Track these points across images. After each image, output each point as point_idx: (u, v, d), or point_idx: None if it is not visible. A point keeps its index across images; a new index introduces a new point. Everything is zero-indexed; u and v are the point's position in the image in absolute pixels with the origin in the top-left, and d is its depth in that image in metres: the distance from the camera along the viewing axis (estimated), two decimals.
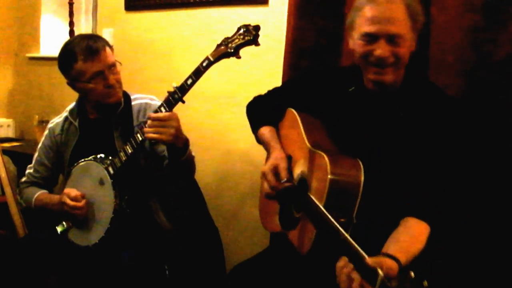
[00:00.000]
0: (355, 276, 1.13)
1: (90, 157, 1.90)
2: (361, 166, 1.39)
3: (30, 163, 2.10)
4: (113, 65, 1.89)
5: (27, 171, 2.09)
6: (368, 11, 1.45)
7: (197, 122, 2.61)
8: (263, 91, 1.84)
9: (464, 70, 1.75)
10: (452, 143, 1.47)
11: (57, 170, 2.07)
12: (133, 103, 1.98)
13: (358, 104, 1.56)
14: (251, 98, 1.84)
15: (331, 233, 1.24)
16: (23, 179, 2.10)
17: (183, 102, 1.67)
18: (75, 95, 2.06)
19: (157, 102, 1.96)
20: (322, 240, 1.35)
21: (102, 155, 1.89)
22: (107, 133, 1.94)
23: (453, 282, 1.70)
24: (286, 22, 2.15)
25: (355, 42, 1.50)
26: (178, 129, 1.69)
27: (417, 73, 1.57)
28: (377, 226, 1.40)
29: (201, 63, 1.62)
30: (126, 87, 2.00)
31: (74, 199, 1.84)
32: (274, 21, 2.34)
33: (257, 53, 2.35)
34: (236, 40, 1.59)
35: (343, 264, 1.18)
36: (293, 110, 1.67)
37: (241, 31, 1.59)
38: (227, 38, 1.61)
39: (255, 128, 1.75)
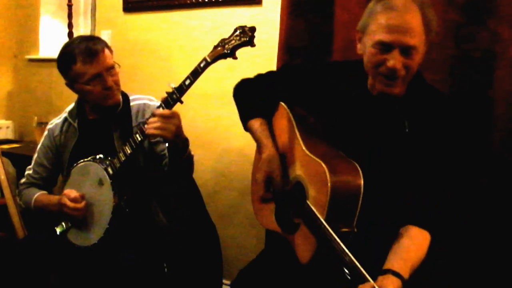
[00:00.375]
0: None
1: (89, 158, 1.90)
2: (359, 169, 1.36)
3: (29, 164, 2.10)
4: (111, 67, 1.90)
5: (26, 172, 2.10)
6: (385, 18, 1.38)
7: (193, 121, 2.62)
8: None
9: (447, 66, 1.79)
10: (456, 152, 1.45)
11: (56, 171, 2.08)
12: (132, 103, 1.99)
13: (360, 108, 1.52)
14: None
15: (334, 250, 1.24)
16: (22, 180, 2.10)
17: (182, 102, 1.68)
18: (74, 96, 2.07)
19: (155, 102, 1.97)
20: (324, 254, 1.32)
21: (101, 156, 1.89)
22: (106, 134, 1.94)
23: (453, 282, 1.71)
24: (279, 22, 2.18)
25: (366, 47, 1.44)
26: (179, 127, 1.69)
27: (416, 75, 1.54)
28: (377, 232, 1.39)
29: (199, 64, 1.63)
30: (124, 88, 2.01)
31: (74, 200, 1.85)
32: (267, 21, 2.37)
33: (251, 52, 2.35)
34: (233, 41, 1.60)
35: None
36: (286, 107, 1.64)
37: (238, 32, 1.60)
38: (223, 39, 1.62)
39: (245, 118, 1.69)
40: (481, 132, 1.76)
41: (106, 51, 1.89)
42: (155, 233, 1.91)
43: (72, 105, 2.06)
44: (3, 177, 2.41)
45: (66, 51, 1.91)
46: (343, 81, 1.56)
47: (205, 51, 1.65)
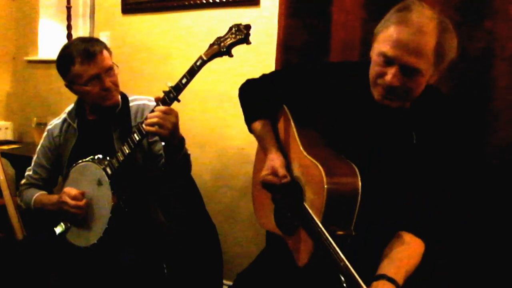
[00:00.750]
0: None
1: (88, 158, 1.91)
2: (357, 172, 1.34)
3: (29, 165, 2.11)
4: (110, 68, 1.90)
5: (27, 173, 2.10)
6: (395, 31, 1.32)
7: (193, 120, 2.64)
8: None
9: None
10: (459, 162, 1.44)
11: (56, 171, 2.08)
12: (131, 104, 2.00)
13: (363, 111, 1.49)
14: None
15: (330, 255, 1.23)
16: (23, 181, 2.11)
17: (178, 101, 1.68)
18: (73, 97, 2.08)
19: (154, 103, 1.97)
20: (320, 257, 1.31)
21: (100, 156, 1.90)
22: (106, 134, 1.95)
23: (453, 282, 1.70)
24: (277, 22, 2.19)
25: (373, 54, 1.40)
26: (176, 126, 1.69)
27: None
28: (377, 237, 1.39)
29: (195, 63, 1.63)
30: (123, 89, 2.01)
31: (74, 198, 1.85)
32: (265, 21, 2.38)
33: (250, 52, 2.39)
34: (228, 39, 1.60)
35: None
36: (286, 108, 1.63)
37: (233, 30, 1.61)
38: (219, 38, 1.62)
39: (249, 119, 1.67)
40: (480, 136, 1.76)
41: (105, 52, 1.90)
42: (155, 233, 1.92)
43: (71, 106, 2.07)
44: (2, 177, 2.41)
45: (65, 52, 1.91)
46: (348, 83, 1.53)
47: (204, 51, 1.65)
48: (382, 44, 1.36)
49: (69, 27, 3.12)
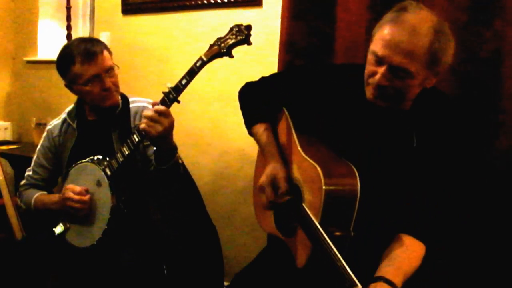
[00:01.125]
0: None
1: (87, 159, 1.91)
2: (356, 173, 1.34)
3: (28, 165, 2.11)
4: (110, 69, 1.90)
5: (26, 173, 2.10)
6: (388, 30, 1.32)
7: (194, 122, 2.64)
8: None
9: (452, 66, 1.78)
10: (460, 166, 1.42)
11: (56, 171, 2.08)
12: (131, 105, 2.00)
13: (362, 113, 1.49)
14: None
15: (328, 255, 1.23)
16: (23, 182, 2.11)
17: (178, 102, 1.67)
18: (72, 98, 2.08)
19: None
20: (319, 257, 1.31)
21: (99, 157, 1.90)
22: (105, 135, 1.95)
23: (453, 282, 1.70)
24: (280, 23, 2.17)
25: (368, 54, 1.40)
26: (167, 130, 1.65)
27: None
28: (377, 239, 1.38)
29: (195, 63, 1.62)
30: (123, 89, 2.01)
31: (79, 193, 1.85)
32: (268, 22, 2.37)
33: (252, 54, 2.39)
34: (229, 40, 1.59)
35: None
36: (285, 110, 1.63)
37: (233, 31, 1.59)
38: (219, 38, 1.61)
39: (249, 123, 1.66)
40: (484, 139, 1.75)
41: (105, 52, 1.90)
42: (154, 234, 1.92)
43: (71, 106, 2.07)
44: (1, 178, 2.41)
45: (65, 52, 1.92)
46: (347, 85, 1.53)
47: None
48: (375, 44, 1.36)
49: (69, 28, 3.12)
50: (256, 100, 1.68)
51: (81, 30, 3.26)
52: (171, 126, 1.66)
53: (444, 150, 1.40)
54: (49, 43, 3.39)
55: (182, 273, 1.99)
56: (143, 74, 2.83)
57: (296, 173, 1.48)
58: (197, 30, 2.63)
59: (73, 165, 1.95)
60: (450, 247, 1.69)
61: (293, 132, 1.56)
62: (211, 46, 1.63)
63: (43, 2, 3.34)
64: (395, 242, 1.36)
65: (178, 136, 1.78)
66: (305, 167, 1.42)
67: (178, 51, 2.71)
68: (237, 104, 1.75)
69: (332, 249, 1.23)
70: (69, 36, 3.11)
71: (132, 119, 1.97)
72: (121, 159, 1.81)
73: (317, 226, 1.29)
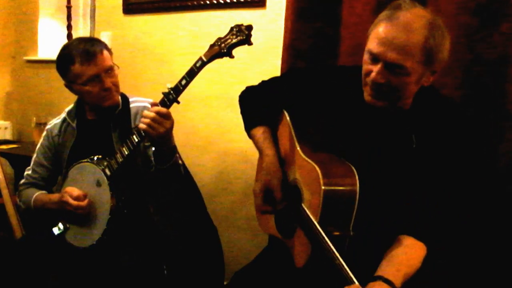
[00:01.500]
0: None
1: (87, 159, 1.90)
2: (355, 173, 1.34)
3: (28, 165, 2.10)
4: (110, 69, 1.90)
5: (26, 172, 2.10)
6: (382, 29, 1.32)
7: (195, 123, 2.63)
8: None
9: (460, 70, 1.77)
10: (462, 168, 1.42)
11: (55, 170, 2.08)
12: (131, 105, 1.99)
13: (362, 115, 1.48)
14: None
15: (326, 254, 1.23)
16: (22, 181, 2.10)
17: (178, 102, 1.67)
18: (72, 97, 2.07)
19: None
20: (318, 257, 1.31)
21: (99, 157, 1.89)
22: (105, 135, 1.95)
23: (453, 282, 1.70)
24: (283, 24, 2.16)
25: (364, 54, 1.40)
26: (167, 131, 1.67)
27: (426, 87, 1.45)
28: (377, 239, 1.38)
29: (195, 64, 1.62)
30: (124, 89, 2.01)
31: (77, 198, 1.84)
32: (271, 24, 2.36)
33: (255, 55, 2.38)
34: (229, 40, 1.59)
35: None
36: (286, 113, 1.63)
37: (234, 31, 1.59)
38: (220, 38, 1.61)
39: (248, 126, 1.66)
40: (490, 143, 1.74)
41: (105, 52, 1.89)
42: (154, 234, 1.91)
43: (71, 106, 2.07)
44: (1, 177, 2.41)
45: (65, 52, 1.91)
46: (347, 86, 1.52)
47: None
48: (370, 42, 1.36)
49: (69, 27, 3.12)
50: (255, 104, 1.68)
51: (81, 30, 3.26)
52: (171, 127, 1.68)
53: (443, 151, 1.40)
54: (50, 42, 3.38)
55: (182, 273, 1.99)
56: (144, 74, 2.83)
57: (296, 174, 1.49)
58: (199, 30, 2.63)
59: (73, 165, 1.94)
60: (451, 248, 1.69)
61: (293, 134, 1.56)
62: (211, 46, 1.63)
63: (43, 1, 3.34)
64: (395, 243, 1.36)
65: (179, 137, 1.78)
66: (305, 168, 1.42)
67: (179, 52, 2.71)
68: (238, 105, 1.75)
69: (331, 248, 1.23)
70: (69, 35, 3.11)
71: (132, 119, 1.97)
72: (120, 160, 1.80)
73: (316, 226, 1.29)
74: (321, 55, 2.08)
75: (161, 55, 2.78)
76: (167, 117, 1.65)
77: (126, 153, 1.79)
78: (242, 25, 1.60)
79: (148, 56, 2.83)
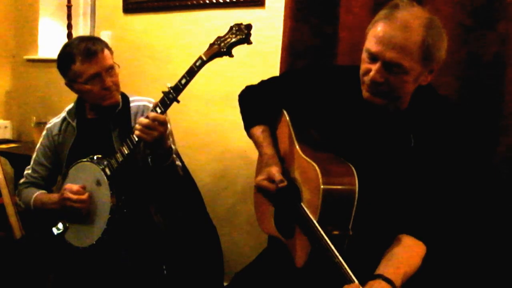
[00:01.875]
0: None
1: (87, 158, 1.90)
2: (355, 172, 1.34)
3: (28, 164, 2.10)
4: (111, 68, 1.90)
5: (25, 172, 2.09)
6: (380, 28, 1.33)
7: (194, 123, 2.63)
8: None
9: (455, 70, 1.77)
10: (460, 167, 1.42)
11: (55, 170, 2.07)
12: (131, 104, 1.99)
13: (361, 115, 1.49)
14: None
15: (326, 253, 1.23)
16: (22, 180, 2.10)
17: (178, 101, 1.67)
18: (72, 97, 2.07)
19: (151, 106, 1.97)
20: (318, 257, 1.31)
21: (99, 156, 1.89)
22: (105, 134, 1.94)
23: (453, 282, 1.71)
24: (282, 24, 2.16)
25: (363, 53, 1.41)
26: (162, 135, 1.69)
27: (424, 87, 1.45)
28: (376, 239, 1.38)
29: (194, 63, 1.62)
30: (124, 89, 2.01)
31: (76, 192, 1.84)
32: (270, 23, 2.36)
33: (254, 54, 2.38)
34: (228, 39, 1.59)
35: None
36: (285, 112, 1.63)
37: (233, 30, 1.59)
38: (219, 37, 1.61)
39: (248, 125, 1.68)
40: (487, 142, 1.74)
41: (106, 51, 1.89)
42: (154, 234, 1.91)
43: (71, 105, 2.06)
44: (1, 176, 2.41)
45: (66, 50, 1.91)
46: (346, 86, 1.53)
47: None
48: (368, 41, 1.37)
49: (69, 26, 3.12)
50: (255, 103, 1.69)
51: (81, 29, 3.26)
52: (165, 131, 1.69)
53: (441, 150, 1.41)
54: (50, 41, 3.38)
55: (182, 273, 1.99)
56: (144, 73, 2.83)
57: (295, 173, 1.49)
58: (199, 29, 2.63)
59: (73, 164, 1.94)
60: (450, 247, 1.69)
61: (293, 133, 1.56)
62: (211, 45, 1.63)
63: (43, 1, 3.34)
64: (395, 242, 1.37)
65: (179, 137, 1.78)
66: (304, 167, 1.42)
67: (179, 51, 2.71)
68: (237, 104, 1.75)
69: (330, 247, 1.23)
70: (69, 34, 3.11)
71: (132, 118, 1.97)
72: (120, 159, 1.80)
73: (315, 225, 1.29)
74: (320, 55, 2.08)
75: (160, 54, 2.78)
76: (162, 123, 1.67)
77: (126, 152, 1.79)
78: (241, 24, 1.60)
79: (148, 55, 2.83)
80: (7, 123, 3.46)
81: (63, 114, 2.06)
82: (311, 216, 1.32)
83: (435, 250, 1.38)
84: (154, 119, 1.67)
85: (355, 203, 1.31)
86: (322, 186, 1.30)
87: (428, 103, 1.46)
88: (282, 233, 1.56)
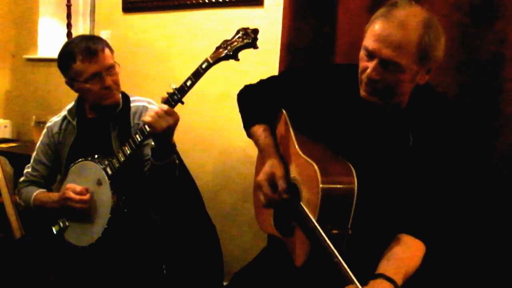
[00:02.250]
0: None
1: (88, 157, 1.90)
2: (353, 171, 1.34)
3: (28, 163, 2.10)
4: (111, 67, 1.90)
5: (25, 170, 2.10)
6: (378, 26, 1.34)
7: (194, 121, 2.63)
8: None
9: (453, 69, 1.78)
10: (458, 166, 1.43)
11: (55, 168, 2.07)
12: (131, 104, 1.99)
13: (359, 113, 1.49)
14: None
15: (325, 252, 1.23)
16: (21, 179, 2.10)
17: (182, 103, 1.68)
18: (72, 96, 2.07)
19: (154, 106, 1.96)
20: (317, 256, 1.32)
21: (100, 155, 1.89)
22: (105, 133, 1.95)
23: (453, 282, 1.71)
24: (281, 23, 2.17)
25: (361, 51, 1.41)
26: (170, 128, 1.67)
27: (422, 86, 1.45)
28: (376, 238, 1.38)
29: (201, 65, 1.62)
30: (124, 88, 2.01)
31: (80, 193, 1.84)
32: (269, 22, 2.37)
33: (253, 54, 2.35)
34: (235, 43, 1.59)
35: None
36: (284, 111, 1.63)
37: (240, 34, 1.59)
38: (226, 41, 1.61)
39: (247, 124, 1.67)
40: (485, 141, 1.74)
41: (107, 50, 1.89)
42: (154, 234, 1.91)
43: (72, 104, 2.07)
44: (0, 176, 2.41)
45: (66, 49, 1.92)
46: (344, 85, 1.53)
47: (205, 52, 1.65)
48: (366, 39, 1.37)
49: (69, 26, 3.12)
50: (254, 102, 1.69)
51: (81, 28, 3.25)
52: (175, 124, 1.68)
53: (440, 149, 1.41)
54: (49, 41, 3.38)
55: (182, 273, 1.99)
56: (143, 73, 2.83)
57: (294, 172, 1.49)
58: (198, 29, 2.63)
59: (74, 163, 1.94)
60: (450, 247, 1.69)
61: (292, 132, 1.56)
62: (217, 48, 1.63)
63: (43, 0, 3.34)
64: (395, 242, 1.37)
65: (179, 136, 1.78)
66: (303, 166, 1.42)
67: (178, 50, 2.71)
68: (236, 104, 1.75)
69: (330, 246, 1.23)
70: (69, 34, 3.11)
71: (131, 118, 1.97)
72: (122, 159, 1.80)
73: (314, 224, 1.29)
74: (318, 54, 2.09)
75: (160, 54, 2.78)
76: (171, 114, 1.66)
77: (129, 152, 1.79)
78: (248, 28, 1.60)
79: (147, 55, 2.83)
80: (6, 122, 3.46)
81: (64, 112, 2.06)
82: (310, 215, 1.33)
83: (435, 249, 1.38)
84: (162, 110, 1.65)
85: (354, 202, 1.31)
86: (321, 185, 1.31)
87: (427, 102, 1.46)
88: (281, 232, 1.56)
